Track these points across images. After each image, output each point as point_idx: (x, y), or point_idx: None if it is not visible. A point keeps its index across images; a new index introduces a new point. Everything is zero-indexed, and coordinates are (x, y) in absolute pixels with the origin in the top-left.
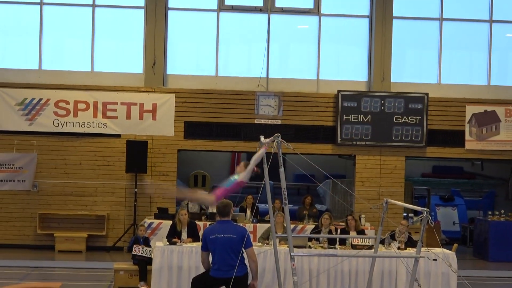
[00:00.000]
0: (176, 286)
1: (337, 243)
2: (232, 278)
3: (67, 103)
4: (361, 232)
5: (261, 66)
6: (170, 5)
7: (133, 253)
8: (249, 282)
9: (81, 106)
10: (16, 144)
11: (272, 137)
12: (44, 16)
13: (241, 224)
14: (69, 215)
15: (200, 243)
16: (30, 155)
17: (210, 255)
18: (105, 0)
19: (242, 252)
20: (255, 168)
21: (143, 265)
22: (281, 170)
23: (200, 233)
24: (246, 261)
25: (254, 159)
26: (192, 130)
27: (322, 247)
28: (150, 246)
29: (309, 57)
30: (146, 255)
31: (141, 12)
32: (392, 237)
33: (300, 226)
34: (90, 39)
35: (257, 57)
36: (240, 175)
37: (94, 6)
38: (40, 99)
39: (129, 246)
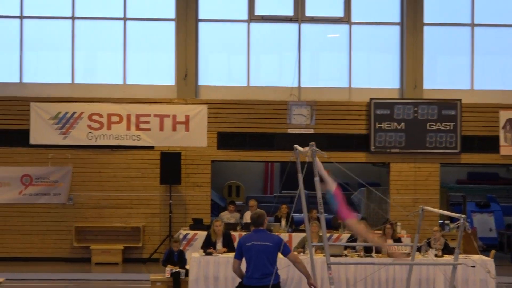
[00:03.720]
0: None
1: (374, 251)
2: (265, 286)
3: (101, 116)
4: (397, 240)
5: (293, 75)
6: (200, 17)
7: (166, 276)
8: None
9: (115, 118)
10: (51, 158)
11: (308, 147)
12: (76, 30)
13: (276, 234)
14: (105, 227)
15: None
16: (65, 169)
17: (241, 263)
18: (136, 13)
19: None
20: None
21: (177, 276)
22: (317, 179)
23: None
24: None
25: (322, 172)
26: (225, 140)
27: (358, 255)
28: (185, 259)
29: (341, 66)
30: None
31: (172, 24)
32: (429, 244)
33: (336, 235)
34: (122, 52)
35: (288, 67)
36: (331, 186)
37: (125, 19)
38: (74, 113)
39: (163, 259)
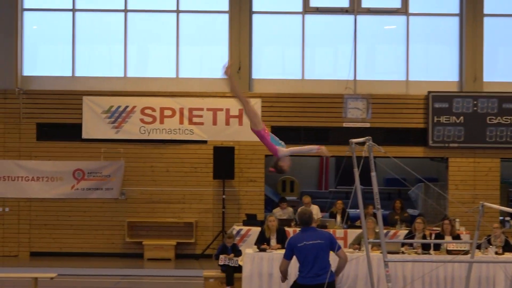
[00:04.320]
0: None
1: (432, 248)
2: (320, 284)
3: (153, 110)
4: (456, 237)
5: (348, 68)
6: (254, 9)
7: (219, 263)
8: None
9: (167, 112)
10: (103, 152)
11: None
12: (128, 23)
13: (331, 230)
14: (157, 222)
15: None
16: (118, 163)
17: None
18: (189, 6)
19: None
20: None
21: (230, 271)
22: (373, 174)
23: None
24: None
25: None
26: (279, 134)
27: (416, 252)
28: (239, 252)
29: (398, 58)
30: (232, 265)
31: (225, 17)
32: (489, 241)
33: (393, 231)
34: (175, 45)
35: (344, 59)
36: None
37: (178, 12)
38: (126, 107)
39: (216, 254)
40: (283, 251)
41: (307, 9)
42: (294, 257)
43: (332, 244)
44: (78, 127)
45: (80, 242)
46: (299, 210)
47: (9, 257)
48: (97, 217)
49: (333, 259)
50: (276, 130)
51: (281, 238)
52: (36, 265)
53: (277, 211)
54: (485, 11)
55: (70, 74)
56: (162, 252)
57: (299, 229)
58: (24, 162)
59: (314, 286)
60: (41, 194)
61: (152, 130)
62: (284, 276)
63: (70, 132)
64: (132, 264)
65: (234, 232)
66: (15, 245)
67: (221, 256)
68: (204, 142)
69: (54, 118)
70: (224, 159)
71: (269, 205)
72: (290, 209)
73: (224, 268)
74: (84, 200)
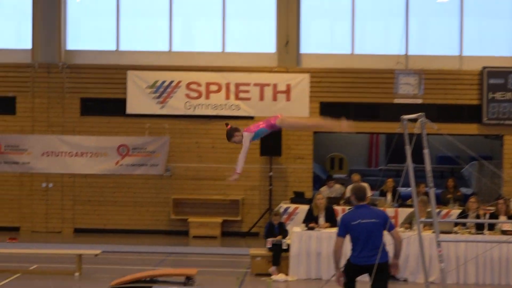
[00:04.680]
0: (315, 273)
1: (486, 228)
2: (375, 264)
3: (199, 85)
4: (511, 217)
5: (400, 42)
6: None
7: (266, 245)
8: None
9: (213, 87)
10: (148, 128)
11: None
12: None
13: (381, 209)
14: (203, 199)
15: None
16: (162, 139)
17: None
18: None
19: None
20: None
21: (277, 250)
22: (426, 151)
23: (338, 218)
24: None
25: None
26: (328, 111)
27: (469, 232)
28: (286, 230)
29: (451, 32)
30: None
31: None
32: None
33: (445, 210)
34: (221, 19)
35: (395, 34)
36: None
37: None
38: (171, 82)
39: (264, 233)
40: (331, 230)
41: None
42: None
43: (386, 224)
44: (122, 102)
45: (124, 219)
46: (353, 185)
47: (53, 233)
48: (141, 193)
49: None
50: (324, 106)
51: (330, 216)
52: (80, 242)
53: (324, 190)
54: None
55: (114, 48)
56: (207, 229)
57: (348, 207)
58: (67, 137)
59: (367, 267)
60: (85, 170)
61: (198, 106)
62: (338, 256)
63: (114, 107)
64: (177, 241)
65: (281, 210)
66: (59, 222)
67: (268, 240)
68: (251, 118)
69: (98, 93)
70: (271, 136)
71: (317, 182)
72: (338, 186)
73: (272, 247)
74: (129, 176)
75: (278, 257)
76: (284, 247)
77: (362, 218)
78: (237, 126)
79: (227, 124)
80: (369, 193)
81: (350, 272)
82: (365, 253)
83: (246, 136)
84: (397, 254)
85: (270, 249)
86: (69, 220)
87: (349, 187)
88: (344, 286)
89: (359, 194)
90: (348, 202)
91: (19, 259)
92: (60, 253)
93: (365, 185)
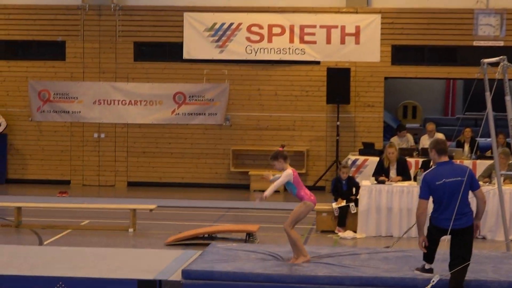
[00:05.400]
0: (385, 230)
1: None
2: (457, 229)
3: (261, 27)
4: None
5: None
6: None
7: (334, 211)
8: None
9: (276, 30)
10: (206, 74)
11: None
12: None
13: (458, 161)
14: (264, 151)
15: (411, 182)
16: (222, 86)
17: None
18: None
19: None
20: None
21: (344, 211)
22: (508, 98)
23: (412, 172)
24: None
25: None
26: (400, 55)
27: None
28: (355, 182)
29: None
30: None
31: None
32: None
33: None
34: None
35: None
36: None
37: None
38: (231, 24)
39: (331, 189)
40: (404, 184)
41: None
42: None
43: (472, 182)
44: (178, 47)
45: (180, 171)
46: (432, 139)
47: (105, 187)
48: (199, 144)
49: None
50: (397, 50)
51: (402, 169)
52: (133, 196)
53: (395, 140)
54: None
55: None
56: (269, 183)
57: (422, 159)
58: (120, 84)
59: (450, 231)
60: (138, 119)
61: (260, 50)
62: (423, 220)
63: (170, 52)
64: (237, 195)
65: (349, 162)
66: (112, 175)
67: (335, 207)
68: (317, 63)
69: (153, 37)
70: (338, 82)
71: (388, 132)
72: (410, 136)
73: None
74: (185, 126)
75: (344, 218)
76: (353, 211)
77: (447, 177)
78: (287, 156)
79: (282, 146)
80: None
81: (432, 234)
82: (447, 214)
83: (286, 175)
84: (479, 215)
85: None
86: (122, 173)
87: (423, 137)
88: (426, 248)
89: (440, 147)
90: (422, 154)
91: (70, 214)
92: (113, 208)
93: (440, 135)
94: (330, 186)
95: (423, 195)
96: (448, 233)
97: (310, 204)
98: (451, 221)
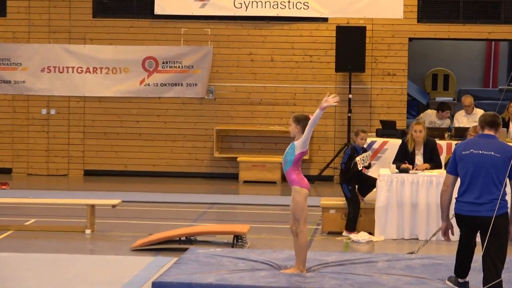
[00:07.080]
0: (409, 230)
1: None
2: (481, 218)
3: None
4: None
5: None
6: None
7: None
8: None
9: None
10: (183, 34)
11: None
12: None
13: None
14: (257, 132)
15: (441, 171)
16: (203, 49)
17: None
18: None
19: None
20: None
21: (355, 207)
22: None
23: (443, 157)
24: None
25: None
26: (429, 10)
27: None
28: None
29: None
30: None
31: None
32: None
33: None
34: None
35: None
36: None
37: None
38: None
39: (343, 161)
40: (432, 173)
41: None
42: None
43: (510, 163)
44: (149, 0)
45: (151, 157)
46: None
47: (56, 176)
48: (175, 123)
49: None
50: (424, 3)
51: (431, 154)
52: (92, 188)
53: (433, 118)
54: None
55: None
56: (264, 172)
57: (456, 141)
58: (75, 47)
59: (474, 219)
60: (98, 91)
61: (251, 3)
62: (444, 206)
63: (138, 6)
64: (223, 188)
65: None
66: (64, 161)
67: (358, 160)
68: (324, 20)
69: None
70: (351, 44)
71: (413, 108)
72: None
73: (350, 195)
74: (158, 100)
75: (355, 221)
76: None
77: (476, 148)
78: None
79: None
80: None
81: (459, 224)
82: (470, 198)
83: (300, 144)
84: None
85: (347, 197)
86: (78, 160)
87: (458, 114)
88: (459, 241)
89: (489, 119)
90: (456, 135)
91: (11, 212)
92: (65, 204)
93: (479, 111)
94: (338, 175)
95: (449, 169)
96: (470, 223)
97: (306, 191)
98: (470, 205)
